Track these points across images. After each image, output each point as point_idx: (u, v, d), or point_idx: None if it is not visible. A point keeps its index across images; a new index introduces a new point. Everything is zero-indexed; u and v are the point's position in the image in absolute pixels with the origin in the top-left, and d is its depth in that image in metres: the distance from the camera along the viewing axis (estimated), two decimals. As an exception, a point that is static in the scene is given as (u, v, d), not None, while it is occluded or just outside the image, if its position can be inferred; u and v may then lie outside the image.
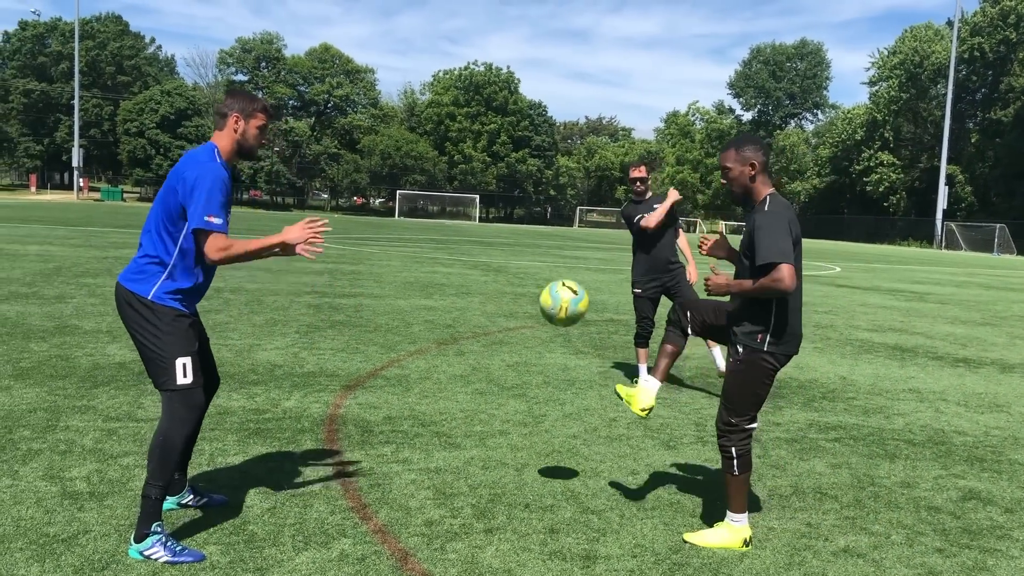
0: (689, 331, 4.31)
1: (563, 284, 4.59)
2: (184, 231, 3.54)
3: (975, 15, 76.25)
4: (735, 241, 4.43)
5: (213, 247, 3.49)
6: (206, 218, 3.45)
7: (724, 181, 4.11)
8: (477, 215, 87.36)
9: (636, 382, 4.26)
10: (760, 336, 3.93)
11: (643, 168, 7.41)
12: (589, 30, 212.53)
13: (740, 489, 4.01)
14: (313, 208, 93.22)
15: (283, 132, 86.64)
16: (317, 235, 3.70)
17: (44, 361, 7.09)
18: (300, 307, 11.37)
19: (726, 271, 4.14)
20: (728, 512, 4.04)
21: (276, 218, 57.35)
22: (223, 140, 3.69)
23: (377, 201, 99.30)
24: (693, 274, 7.52)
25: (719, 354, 7.48)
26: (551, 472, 4.94)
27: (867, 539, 4.17)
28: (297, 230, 3.68)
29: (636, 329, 7.54)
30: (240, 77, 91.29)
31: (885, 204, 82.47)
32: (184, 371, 3.51)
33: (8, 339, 7.95)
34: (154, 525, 3.49)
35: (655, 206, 7.32)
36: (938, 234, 70.86)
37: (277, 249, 3.69)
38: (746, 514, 4.03)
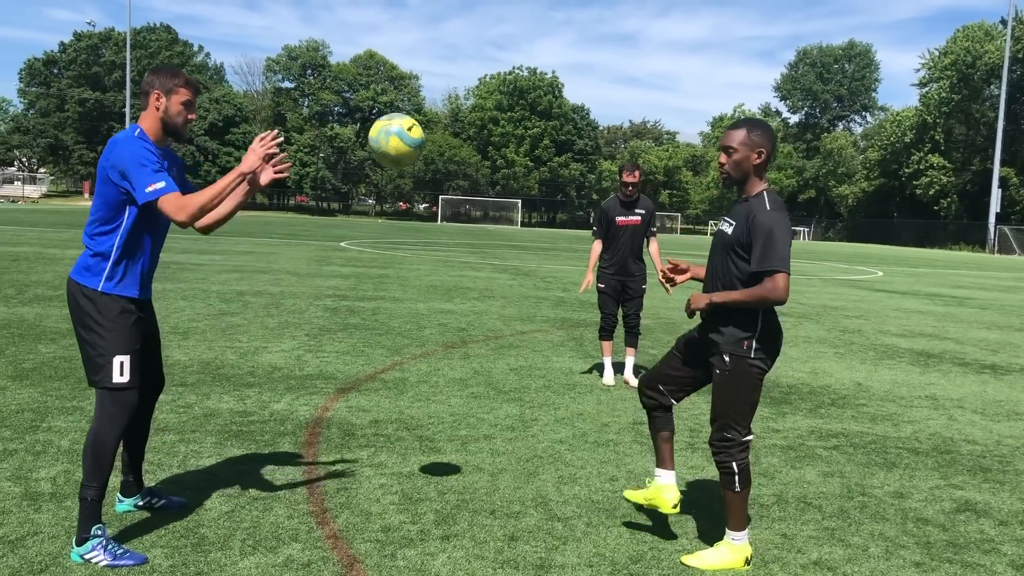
0: (671, 403, 4.05)
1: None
2: (124, 221, 3.48)
3: (1030, 13, 74.22)
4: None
5: (172, 209, 3.40)
6: (147, 189, 3.38)
7: (723, 162, 3.82)
8: (519, 220, 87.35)
9: (651, 482, 4.06)
10: (747, 343, 3.73)
11: (637, 173, 7.63)
12: (636, 34, 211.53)
13: (741, 506, 3.80)
14: (357, 214, 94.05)
15: (328, 138, 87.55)
16: (272, 150, 3.59)
17: (46, 362, 7.16)
18: (317, 310, 11.39)
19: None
20: (728, 531, 3.82)
21: (320, 223, 57.96)
22: (147, 120, 3.60)
23: (421, 206, 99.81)
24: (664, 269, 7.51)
25: (629, 364, 7.79)
26: (526, 478, 4.83)
27: (842, 551, 3.99)
28: (252, 155, 3.57)
29: (600, 323, 7.88)
30: (287, 84, 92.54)
31: (935, 208, 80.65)
32: (121, 370, 3.46)
33: (19, 340, 8.06)
34: (94, 528, 3.45)
35: (637, 210, 7.59)
36: (990, 238, 69.01)
37: (244, 184, 3.59)
38: (747, 531, 3.83)
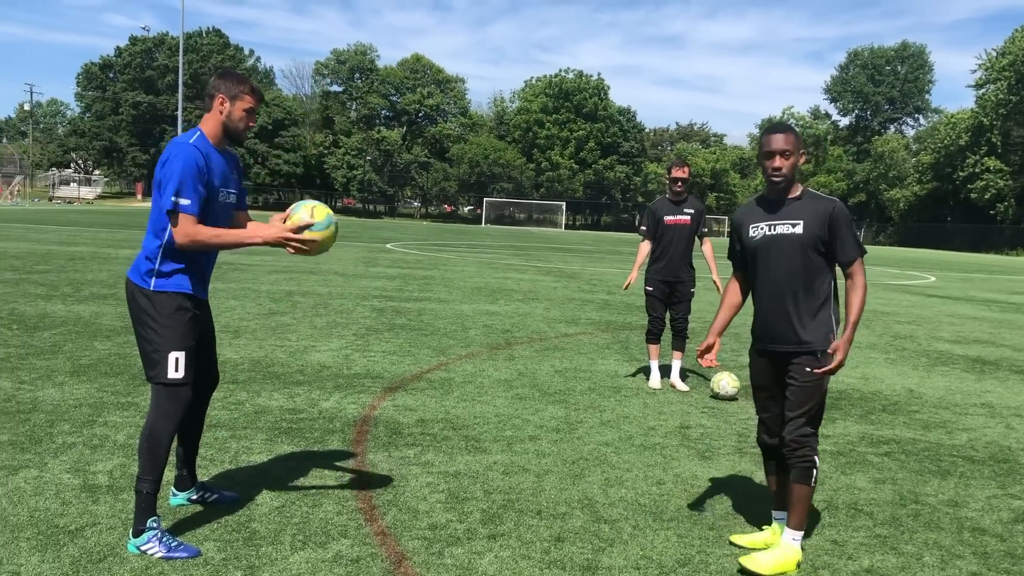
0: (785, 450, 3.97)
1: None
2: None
3: (1091, 13, 72.19)
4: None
5: (180, 231, 3.49)
6: (173, 198, 3.47)
7: (780, 165, 3.80)
8: (563, 222, 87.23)
9: (769, 528, 4.07)
10: (832, 336, 3.81)
11: (686, 169, 7.45)
12: (683, 36, 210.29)
13: (809, 503, 3.84)
14: (403, 216, 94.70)
15: (375, 141, 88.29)
16: (292, 242, 3.64)
17: (102, 359, 7.32)
18: (364, 310, 11.49)
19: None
20: (789, 530, 3.81)
21: (367, 225, 58.46)
22: (209, 123, 3.70)
23: (465, 209, 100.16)
24: (719, 283, 7.39)
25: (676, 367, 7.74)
26: (572, 479, 4.83)
27: (895, 559, 3.92)
28: (278, 233, 3.62)
29: (647, 327, 7.77)
30: (335, 88, 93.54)
31: (991, 212, 78.82)
32: (176, 366, 3.54)
33: (76, 337, 8.26)
34: (149, 521, 3.52)
35: (687, 210, 7.43)
36: (1049, 243, 67.24)
37: (258, 241, 3.65)
38: (802, 533, 3.84)
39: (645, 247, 7.73)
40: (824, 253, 3.80)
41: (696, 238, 7.64)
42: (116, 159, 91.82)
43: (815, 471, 3.79)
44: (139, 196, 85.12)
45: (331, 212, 3.86)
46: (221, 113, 3.69)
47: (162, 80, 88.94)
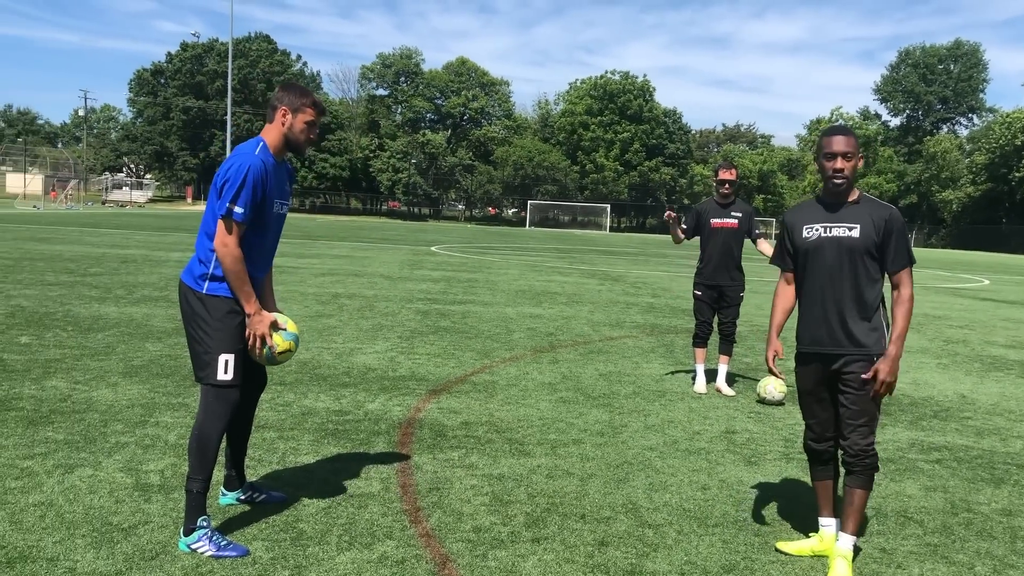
0: (840, 456, 3.95)
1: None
2: None
3: None
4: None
5: (223, 238, 3.57)
6: (229, 205, 3.55)
7: (842, 167, 3.76)
8: (608, 225, 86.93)
9: (816, 535, 4.04)
10: (884, 339, 3.80)
11: (733, 171, 7.37)
12: (730, 36, 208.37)
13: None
14: (448, 219, 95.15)
15: (420, 144, 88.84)
16: (258, 343, 3.69)
17: (154, 360, 7.48)
18: (409, 313, 11.58)
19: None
20: (849, 536, 3.79)
21: (411, 228, 58.86)
22: (271, 134, 3.78)
23: (509, 211, 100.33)
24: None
25: (722, 372, 7.61)
26: (616, 484, 4.82)
27: (945, 569, 3.85)
28: (260, 326, 3.67)
29: (695, 330, 7.68)
30: (380, 91, 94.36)
31: (1049, 213, 76.78)
32: (225, 368, 3.61)
33: (129, 339, 8.45)
34: (200, 520, 3.60)
35: (734, 213, 7.34)
36: (1109, 245, 65.35)
37: (247, 312, 3.68)
38: None
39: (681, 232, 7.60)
40: (878, 259, 3.78)
41: (750, 240, 7.55)
42: (167, 163, 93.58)
43: (875, 476, 3.82)
44: (189, 199, 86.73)
45: (298, 336, 3.98)
46: (283, 125, 3.76)
47: (211, 85, 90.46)
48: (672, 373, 8.30)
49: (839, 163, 3.77)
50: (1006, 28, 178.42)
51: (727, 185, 7.36)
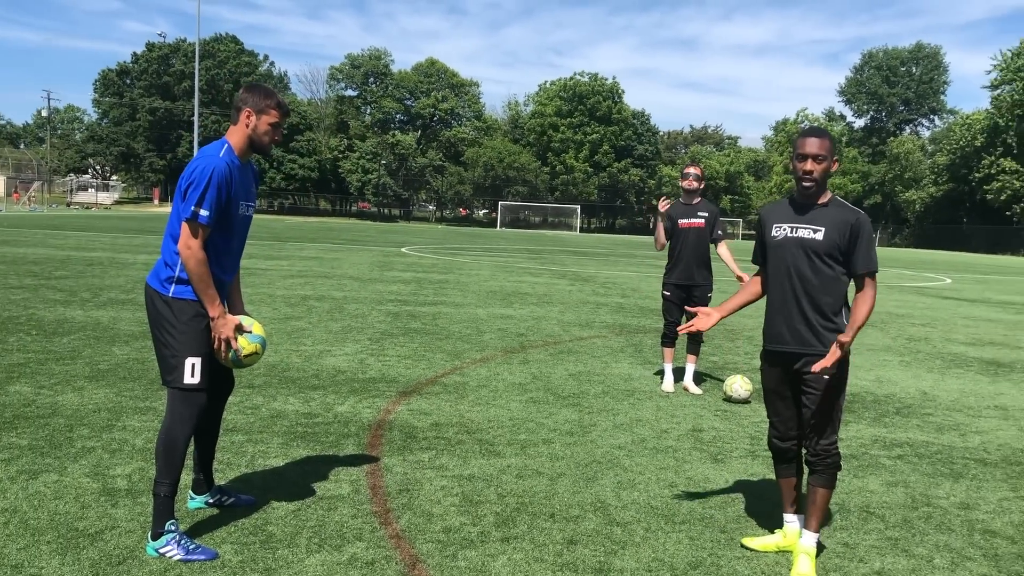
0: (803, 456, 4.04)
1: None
2: None
3: (1109, 11, 71.58)
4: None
5: (187, 240, 3.56)
6: (194, 208, 3.54)
7: (811, 169, 3.80)
8: (578, 225, 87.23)
9: (780, 531, 4.11)
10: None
11: (697, 167, 7.47)
12: (697, 38, 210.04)
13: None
14: (418, 220, 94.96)
15: (390, 145, 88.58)
16: (223, 346, 3.69)
17: (121, 364, 7.42)
18: (379, 314, 11.57)
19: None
20: (812, 533, 3.84)
21: (381, 229, 58.65)
22: (236, 135, 3.77)
23: (480, 212, 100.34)
24: (744, 276, 7.28)
25: (690, 371, 7.74)
26: (585, 483, 4.86)
27: (906, 562, 3.94)
28: (225, 329, 3.66)
29: (663, 330, 7.79)
30: (349, 92, 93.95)
31: (1008, 213, 78.21)
32: (192, 371, 3.61)
33: (95, 342, 8.36)
34: (168, 524, 3.59)
35: (700, 213, 7.42)
36: (1067, 244, 66.70)
37: (211, 316, 3.66)
38: None
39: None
40: (841, 262, 3.82)
41: (712, 242, 7.63)
42: (133, 164, 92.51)
43: (837, 475, 3.88)
44: (156, 201, 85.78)
45: (265, 338, 3.96)
46: (248, 126, 3.76)
47: (178, 86, 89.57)
48: (651, 375, 8.37)
49: (809, 165, 3.82)
50: (965, 31, 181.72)
51: (691, 179, 7.43)
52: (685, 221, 7.51)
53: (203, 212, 3.55)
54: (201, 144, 77.83)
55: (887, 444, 6.07)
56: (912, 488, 5.06)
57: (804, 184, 3.85)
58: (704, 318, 4.17)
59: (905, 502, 4.80)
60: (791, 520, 4.05)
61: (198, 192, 3.55)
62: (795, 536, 4.00)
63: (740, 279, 7.04)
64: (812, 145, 3.81)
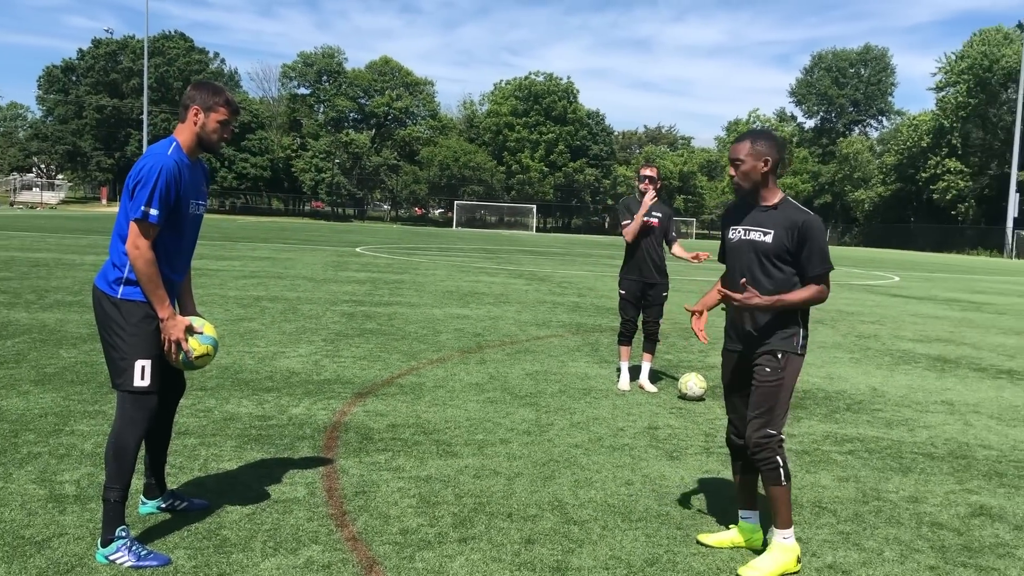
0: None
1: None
2: None
3: (1048, 16, 73.73)
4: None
5: (135, 240, 3.49)
6: (144, 208, 3.48)
7: (732, 174, 3.93)
8: (534, 225, 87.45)
9: (734, 527, 4.15)
10: (795, 338, 3.85)
11: (654, 168, 7.53)
12: (651, 39, 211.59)
13: (787, 501, 3.83)
14: (373, 219, 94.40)
15: (344, 144, 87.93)
16: (173, 348, 3.63)
17: (68, 367, 7.26)
18: (333, 315, 11.47)
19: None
20: (776, 531, 3.84)
21: (336, 228, 58.18)
22: (184, 133, 3.71)
23: (436, 212, 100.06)
24: (701, 254, 7.39)
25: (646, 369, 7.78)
26: (542, 482, 4.87)
27: (857, 555, 4.01)
28: (175, 330, 3.60)
29: (619, 329, 7.80)
30: (302, 91, 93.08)
31: (953, 212, 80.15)
32: (142, 374, 3.54)
33: (41, 345, 8.17)
34: (118, 530, 3.52)
35: (655, 213, 7.49)
36: (1008, 243, 68.58)
37: (160, 318, 3.59)
38: (793, 528, 3.86)
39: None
40: (791, 263, 3.83)
41: (666, 243, 7.69)
42: (80, 163, 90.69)
43: (782, 471, 3.81)
44: (104, 201, 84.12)
45: (216, 339, 3.91)
46: (196, 124, 3.69)
47: (127, 83, 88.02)
48: (597, 371, 8.41)
49: (731, 170, 3.94)
50: (911, 34, 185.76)
51: (647, 180, 7.50)
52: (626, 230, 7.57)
53: (152, 211, 3.48)
54: (150, 143, 76.56)
55: (838, 440, 6.17)
56: (863, 483, 5.16)
57: (733, 187, 3.95)
58: (698, 319, 4.21)
59: (856, 496, 4.88)
60: (746, 516, 4.10)
61: (146, 191, 3.48)
62: (748, 532, 4.05)
63: (696, 257, 7.32)
64: (732, 151, 3.92)
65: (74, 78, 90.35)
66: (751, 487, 4.11)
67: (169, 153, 3.59)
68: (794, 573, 3.79)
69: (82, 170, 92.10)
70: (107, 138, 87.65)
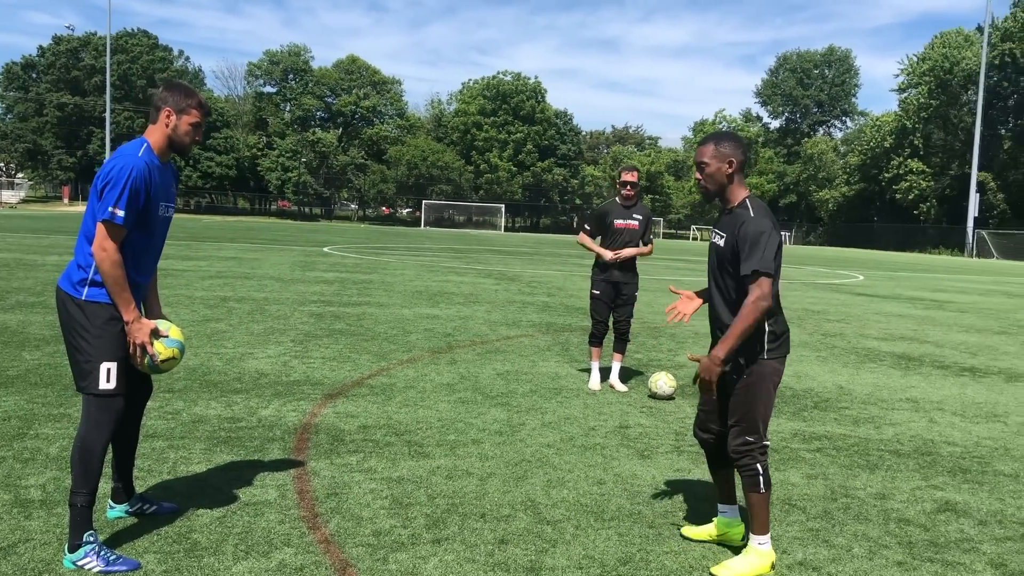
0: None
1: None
2: None
3: (1006, 20, 75.21)
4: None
5: (102, 242, 3.44)
6: (111, 209, 3.43)
7: (698, 177, 3.94)
8: (503, 224, 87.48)
9: (716, 520, 4.18)
10: (759, 345, 3.80)
11: (635, 173, 7.59)
12: (618, 39, 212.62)
13: (766, 508, 3.82)
14: (340, 219, 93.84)
15: (310, 143, 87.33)
16: (138, 351, 3.59)
17: (32, 370, 7.14)
18: (302, 316, 11.39)
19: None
20: (753, 536, 3.84)
21: (303, 228, 57.76)
22: (155, 134, 3.66)
23: (404, 211, 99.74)
24: (644, 250, 7.74)
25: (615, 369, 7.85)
26: (515, 482, 4.87)
27: (827, 552, 4.06)
28: (139, 334, 3.55)
29: (591, 329, 7.82)
30: (268, 89, 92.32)
31: (915, 212, 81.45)
32: (107, 376, 3.48)
33: (3, 348, 8.02)
34: (86, 535, 3.46)
35: (635, 215, 7.55)
36: (969, 242, 69.80)
37: (125, 320, 3.55)
38: (769, 535, 3.85)
39: (586, 237, 7.78)
40: (735, 267, 3.78)
41: (641, 243, 7.74)
42: (41, 162, 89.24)
43: (761, 478, 3.80)
44: (66, 200, 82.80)
45: (183, 342, 3.86)
46: (167, 126, 3.65)
47: (88, 81, 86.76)
48: (579, 372, 8.42)
49: (696, 173, 3.97)
50: (874, 36, 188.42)
51: (629, 187, 7.54)
52: (621, 222, 7.61)
53: (119, 213, 3.43)
54: (114, 141, 75.55)
55: (806, 438, 6.24)
56: (831, 480, 5.22)
57: (700, 191, 4.01)
58: (688, 302, 4.21)
59: (825, 494, 4.94)
60: (722, 510, 4.13)
61: (115, 192, 3.43)
62: (723, 525, 4.09)
63: (639, 252, 7.58)
64: (697, 154, 3.95)
65: (34, 75, 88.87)
66: (725, 481, 4.14)
67: (140, 154, 3.54)
68: None
69: (43, 169, 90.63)
70: (69, 136, 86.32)
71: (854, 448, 6.01)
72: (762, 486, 3.81)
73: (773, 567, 3.83)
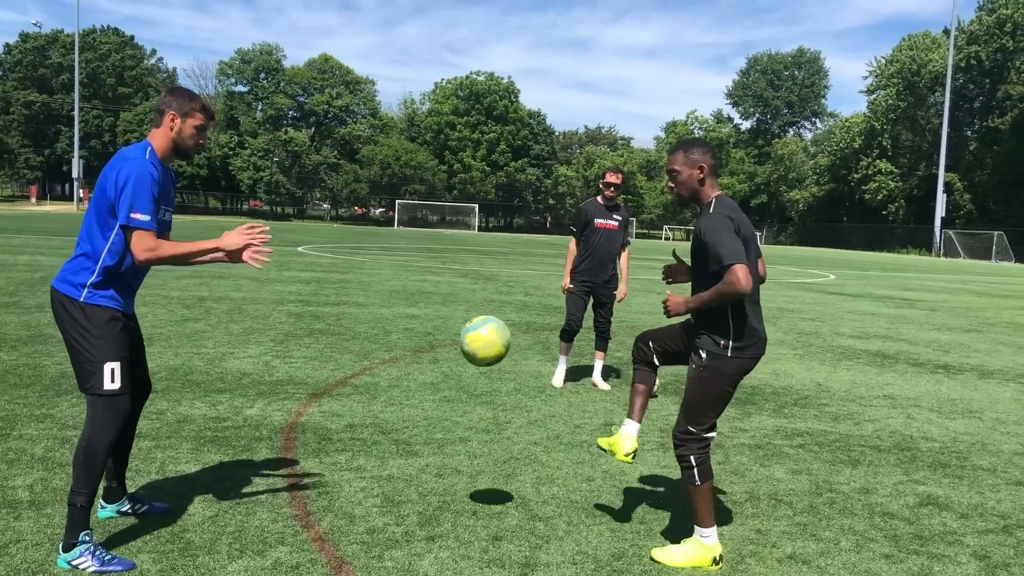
0: (656, 363, 4.13)
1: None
2: (114, 231, 3.51)
3: (972, 24, 76.39)
4: (685, 248, 4.36)
5: (139, 247, 3.45)
6: (131, 215, 3.42)
7: (671, 185, 4.00)
8: (476, 224, 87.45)
9: (615, 430, 4.11)
10: (723, 342, 3.82)
11: (619, 175, 7.60)
12: (590, 40, 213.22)
13: (704, 500, 3.85)
14: (313, 219, 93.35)
15: (283, 143, 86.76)
16: (257, 241, 3.67)
17: (10, 370, 7.05)
18: (280, 316, 11.34)
19: (684, 290, 4.08)
20: (696, 527, 3.88)
21: (275, 228, 57.35)
22: (159, 138, 3.66)
23: (377, 211, 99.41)
24: (623, 291, 7.87)
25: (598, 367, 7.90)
26: (504, 479, 4.90)
27: (815, 545, 4.12)
28: (235, 236, 3.66)
29: (564, 325, 7.80)
30: (240, 88, 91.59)
31: (884, 212, 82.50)
32: (112, 376, 3.47)
33: (-21, 348, 7.92)
34: (82, 534, 3.45)
35: (616, 217, 7.60)
36: (936, 242, 70.81)
37: (219, 255, 3.68)
38: (715, 529, 3.86)
39: (573, 245, 7.84)
40: (704, 264, 3.84)
41: (620, 244, 7.78)
42: (7, 161, 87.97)
43: (695, 471, 3.82)
44: (33, 200, 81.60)
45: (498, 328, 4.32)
46: (172, 130, 3.65)
47: (56, 79, 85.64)
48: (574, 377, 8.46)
49: (669, 182, 4.03)
50: (843, 38, 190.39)
51: (612, 188, 7.58)
52: (601, 221, 7.64)
53: (142, 217, 3.44)
54: (82, 140, 74.61)
55: (788, 434, 6.32)
56: (815, 475, 5.30)
57: (676, 197, 4.06)
58: (681, 270, 4.25)
59: (810, 489, 5.02)
60: (626, 423, 4.08)
61: (130, 198, 3.41)
62: (617, 437, 4.04)
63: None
64: (668, 163, 4.00)
65: (1, 73, 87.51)
66: (636, 398, 4.10)
67: (147, 158, 3.54)
68: (711, 572, 3.79)
69: (9, 168, 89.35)
70: (36, 135, 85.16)
71: (836, 444, 6.10)
72: (697, 479, 3.84)
73: (716, 562, 3.82)
